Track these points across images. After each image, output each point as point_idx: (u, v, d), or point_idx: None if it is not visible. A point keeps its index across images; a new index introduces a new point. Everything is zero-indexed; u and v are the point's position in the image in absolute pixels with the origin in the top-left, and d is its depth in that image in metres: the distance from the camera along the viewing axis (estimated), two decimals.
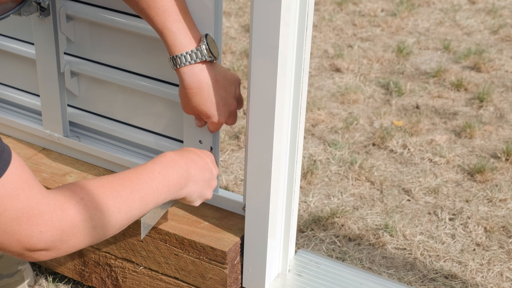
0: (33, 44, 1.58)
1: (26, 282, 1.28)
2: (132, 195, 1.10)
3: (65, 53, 1.56)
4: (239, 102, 1.37)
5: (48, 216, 0.94)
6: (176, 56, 1.27)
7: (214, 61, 1.29)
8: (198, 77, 1.28)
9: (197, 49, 1.26)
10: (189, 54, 1.26)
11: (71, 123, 1.66)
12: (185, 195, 1.24)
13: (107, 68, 1.53)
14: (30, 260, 1.00)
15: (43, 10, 1.48)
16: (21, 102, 1.71)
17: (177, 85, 1.46)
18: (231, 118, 1.36)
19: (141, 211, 1.13)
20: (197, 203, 1.29)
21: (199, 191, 1.26)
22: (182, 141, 1.51)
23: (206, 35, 1.29)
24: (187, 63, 1.26)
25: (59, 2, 1.49)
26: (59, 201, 0.97)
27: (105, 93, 1.57)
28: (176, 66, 1.27)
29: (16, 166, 0.91)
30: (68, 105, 1.63)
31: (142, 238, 1.38)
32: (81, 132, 1.66)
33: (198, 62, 1.27)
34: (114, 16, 1.45)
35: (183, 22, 1.25)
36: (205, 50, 1.26)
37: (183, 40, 1.26)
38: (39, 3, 1.46)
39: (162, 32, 1.26)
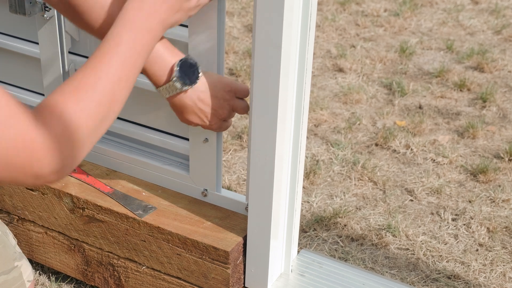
0: (37, 43, 1.58)
1: (24, 277, 1.27)
2: (107, 79, 1.03)
3: (69, 52, 1.56)
4: (238, 109, 1.36)
5: (40, 139, 0.91)
6: (156, 89, 1.28)
7: (193, 86, 1.28)
8: (180, 101, 1.29)
9: (169, 85, 1.26)
10: (165, 89, 1.27)
11: None
12: (164, 27, 1.16)
13: None
14: (49, 183, 0.97)
15: (47, 10, 1.48)
16: (26, 101, 1.72)
17: None
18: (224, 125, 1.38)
19: (127, 89, 1.06)
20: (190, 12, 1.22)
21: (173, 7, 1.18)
22: (187, 139, 1.51)
23: (179, 62, 1.25)
24: (166, 95, 1.28)
25: None
26: (43, 123, 0.94)
27: None
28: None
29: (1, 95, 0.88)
30: None
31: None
32: None
33: (175, 94, 1.28)
34: None
35: (152, 54, 1.23)
36: (177, 84, 1.25)
37: (153, 77, 1.26)
38: (43, 3, 1.47)
39: None
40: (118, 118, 1.60)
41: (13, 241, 1.23)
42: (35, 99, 1.69)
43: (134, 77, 1.07)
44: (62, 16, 1.50)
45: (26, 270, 1.26)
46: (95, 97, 1.00)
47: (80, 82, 1.01)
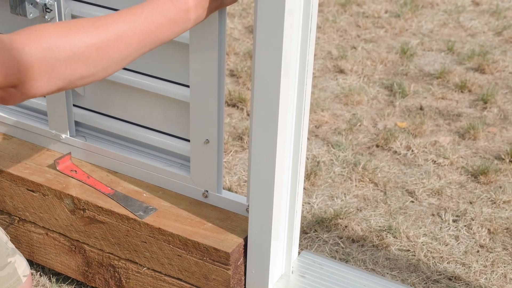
0: None
1: (19, 272, 1.25)
2: (106, 32, 1.03)
3: None
4: None
5: (5, 47, 0.94)
6: None
7: None
8: None
9: None
10: None
11: (77, 123, 1.66)
12: (195, 20, 1.16)
13: None
14: (5, 103, 1.00)
15: (48, 11, 1.48)
16: (27, 103, 1.72)
17: (184, 85, 1.47)
18: None
19: (122, 52, 1.05)
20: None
21: None
22: (188, 140, 1.51)
23: None
24: None
25: (65, 3, 1.50)
26: (17, 35, 0.97)
27: (111, 93, 1.58)
28: None
29: None
30: (74, 105, 1.63)
31: None
32: (87, 132, 1.67)
33: None
34: None
35: None
36: None
37: None
38: (44, 4, 1.47)
39: None
40: (118, 119, 1.60)
41: (4, 237, 1.23)
42: (36, 100, 1.69)
43: (124, 55, 1.05)
44: (63, 17, 1.50)
45: (21, 265, 1.24)
46: (61, 39, 1.00)
47: (72, 22, 1.01)
